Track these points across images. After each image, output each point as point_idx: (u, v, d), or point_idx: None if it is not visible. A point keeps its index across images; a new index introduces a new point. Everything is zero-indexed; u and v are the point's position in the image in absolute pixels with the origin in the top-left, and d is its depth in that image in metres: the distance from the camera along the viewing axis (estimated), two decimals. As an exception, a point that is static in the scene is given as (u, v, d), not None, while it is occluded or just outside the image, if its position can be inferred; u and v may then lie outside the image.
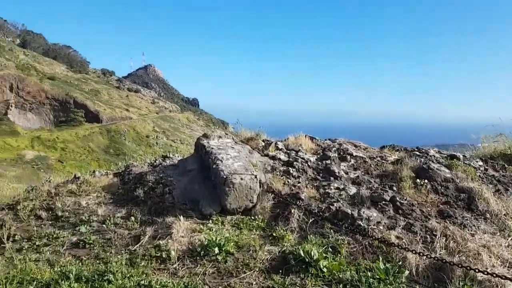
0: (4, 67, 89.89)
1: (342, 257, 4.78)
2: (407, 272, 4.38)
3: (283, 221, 5.54)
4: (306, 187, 6.24)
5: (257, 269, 4.61)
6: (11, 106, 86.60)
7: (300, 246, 4.86)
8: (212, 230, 5.51)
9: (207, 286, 4.31)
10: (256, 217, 5.77)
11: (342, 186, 6.15)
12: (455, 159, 7.36)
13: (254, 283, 4.33)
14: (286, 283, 4.26)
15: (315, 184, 6.35)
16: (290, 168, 6.71)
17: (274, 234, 5.29)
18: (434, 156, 7.46)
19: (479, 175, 6.87)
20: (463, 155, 7.95)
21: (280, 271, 4.49)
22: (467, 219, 5.48)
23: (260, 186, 5.89)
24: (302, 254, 4.62)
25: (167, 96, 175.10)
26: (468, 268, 4.26)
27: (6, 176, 57.73)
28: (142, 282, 4.24)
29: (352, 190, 6.01)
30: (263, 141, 7.85)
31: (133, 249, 5.18)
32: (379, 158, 7.35)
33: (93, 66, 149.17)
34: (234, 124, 8.38)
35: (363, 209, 5.42)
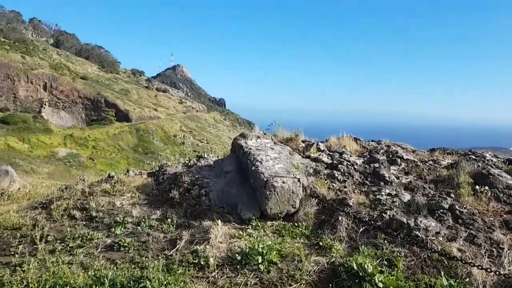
0: (38, 66, 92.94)
1: (399, 271, 4.30)
2: (473, 290, 3.88)
3: (329, 229, 5.10)
4: (354, 192, 5.78)
5: (303, 282, 4.20)
6: (45, 104, 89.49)
7: (351, 258, 4.42)
8: (252, 236, 5.14)
9: (251, 299, 3.95)
10: (299, 223, 5.35)
11: (394, 192, 5.64)
12: (515, 164, 6.70)
13: (302, 297, 3.94)
14: (339, 300, 3.84)
15: (364, 189, 5.87)
16: (335, 171, 6.25)
17: (321, 244, 4.86)
18: (492, 161, 6.82)
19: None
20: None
21: (330, 285, 4.07)
22: (537, 232, 4.88)
23: (303, 190, 5.47)
24: (355, 267, 4.18)
25: (194, 96, 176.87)
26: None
27: (39, 172, 59.66)
28: (181, 290, 3.93)
29: (406, 196, 5.50)
30: (302, 141, 7.41)
31: (169, 254, 4.88)
32: (431, 162, 6.78)
33: (123, 66, 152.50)
34: (269, 125, 7.97)
35: (419, 218, 4.91)
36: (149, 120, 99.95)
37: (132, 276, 4.21)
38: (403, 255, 4.53)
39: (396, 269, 4.32)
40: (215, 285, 4.23)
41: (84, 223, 5.85)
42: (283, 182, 5.33)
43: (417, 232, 4.69)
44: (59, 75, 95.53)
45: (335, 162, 6.56)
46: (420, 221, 4.83)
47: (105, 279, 4.13)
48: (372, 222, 4.99)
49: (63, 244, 5.21)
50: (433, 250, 4.46)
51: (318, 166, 6.44)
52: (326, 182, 6.01)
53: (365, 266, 4.18)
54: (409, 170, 6.51)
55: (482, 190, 5.69)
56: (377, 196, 5.55)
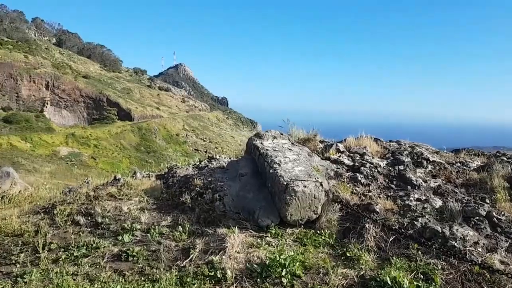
0: (41, 65, 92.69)
1: (437, 286, 3.90)
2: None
3: (355, 238, 4.70)
4: (379, 197, 5.37)
5: (332, 297, 3.82)
6: (47, 103, 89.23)
7: (383, 271, 4.02)
8: (272, 245, 4.74)
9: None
10: (322, 231, 4.95)
11: (424, 197, 5.23)
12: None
13: (332, 316, 3.55)
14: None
15: (390, 194, 5.46)
16: (357, 174, 5.83)
17: (348, 254, 4.45)
18: (525, 163, 6.39)
19: None
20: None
21: (362, 301, 3.68)
22: None
23: (325, 195, 5.06)
24: (389, 281, 3.79)
25: (197, 95, 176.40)
26: None
27: (41, 171, 59.43)
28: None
29: (437, 202, 5.09)
30: (320, 142, 6.99)
31: (182, 265, 4.50)
32: (459, 164, 6.36)
33: (125, 65, 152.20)
34: (283, 124, 7.51)
35: (455, 226, 4.49)
36: (151, 119, 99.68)
37: (142, 290, 3.85)
38: (440, 267, 4.12)
39: (433, 283, 3.92)
40: (234, 301, 3.86)
41: (89, 229, 5.47)
42: (304, 186, 4.93)
43: (453, 242, 4.29)
44: (61, 74, 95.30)
45: (357, 164, 6.14)
46: (456, 230, 4.42)
47: (113, 293, 3.77)
48: (403, 230, 4.58)
49: (67, 252, 4.85)
50: (473, 262, 4.06)
51: (339, 168, 6.03)
52: (348, 186, 5.60)
53: (400, 280, 3.79)
54: (437, 173, 6.09)
55: (520, 195, 5.28)
56: (406, 202, 5.13)
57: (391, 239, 4.54)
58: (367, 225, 4.71)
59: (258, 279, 4.09)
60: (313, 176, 5.11)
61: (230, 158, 7.52)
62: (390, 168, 6.04)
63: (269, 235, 4.94)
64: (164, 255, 4.73)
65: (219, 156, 7.59)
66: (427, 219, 4.70)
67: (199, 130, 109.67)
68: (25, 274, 4.30)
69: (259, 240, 4.80)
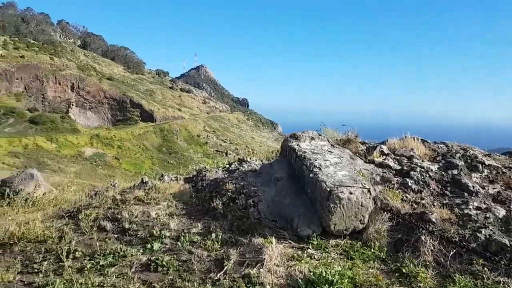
0: (66, 67, 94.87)
1: (511, 310, 3.37)
2: None
3: (409, 251, 4.19)
4: (433, 205, 4.83)
5: (389, 321, 3.33)
6: (72, 105, 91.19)
7: (446, 291, 3.51)
8: (314, 258, 4.28)
9: None
10: (371, 243, 4.45)
11: (484, 206, 4.67)
12: None
13: None
14: None
15: (445, 202, 4.90)
16: (407, 180, 5.30)
17: (403, 270, 3.95)
18: None
19: None
20: None
21: (425, 327, 3.18)
22: None
23: (373, 203, 4.57)
24: (456, 305, 3.27)
25: (218, 96, 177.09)
26: None
27: (66, 171, 60.61)
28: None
29: (500, 211, 4.52)
30: (361, 143, 6.47)
31: (216, 277, 4.10)
32: (517, 168, 5.74)
33: (148, 67, 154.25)
34: (316, 127, 6.99)
35: (525, 240, 3.93)
36: (173, 120, 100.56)
37: (175, 307, 3.47)
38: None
39: (507, 307, 3.39)
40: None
41: (116, 236, 5.14)
42: (350, 193, 4.44)
43: (526, 259, 3.73)
44: (86, 76, 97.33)
45: (405, 168, 5.59)
46: (528, 244, 3.85)
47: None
48: (464, 243, 4.05)
49: (93, 261, 4.52)
50: (551, 282, 3.50)
51: (385, 173, 5.51)
52: (397, 192, 5.07)
53: (469, 303, 3.28)
54: (494, 178, 5.49)
55: None
56: (465, 211, 4.57)
57: (451, 253, 4.01)
58: (423, 237, 4.19)
59: (302, 297, 3.66)
60: (359, 181, 4.62)
61: (261, 161, 7.09)
62: (443, 173, 5.47)
63: (310, 246, 4.48)
64: (196, 265, 4.35)
65: (250, 159, 7.16)
66: (491, 230, 4.15)
67: (220, 131, 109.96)
68: (48, 285, 4.03)
69: (299, 252, 4.35)
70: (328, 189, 4.48)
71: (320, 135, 6.25)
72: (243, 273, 4.09)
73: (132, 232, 5.16)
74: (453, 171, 5.44)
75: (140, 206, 5.72)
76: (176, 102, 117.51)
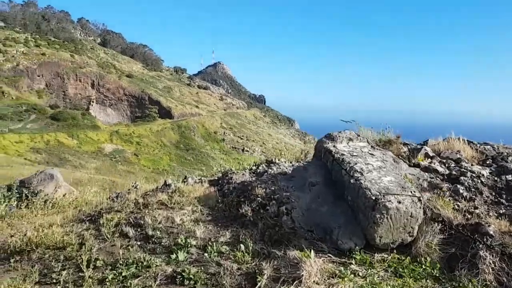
0: (87, 65, 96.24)
1: None
2: None
3: (466, 268, 3.69)
4: (488, 215, 4.31)
5: None
6: (93, 101, 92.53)
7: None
8: (359, 275, 3.82)
9: None
10: (421, 258, 3.96)
11: (550, 218, 4.13)
12: None
13: None
14: None
15: (502, 212, 4.37)
16: (458, 186, 4.77)
17: (462, 292, 3.47)
18: None
19: None
20: None
21: None
22: None
23: (423, 213, 4.08)
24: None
25: (235, 93, 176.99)
26: None
27: (87, 167, 61.46)
28: None
29: None
30: (403, 144, 5.95)
31: (248, 295, 3.69)
32: None
33: (166, 64, 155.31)
34: (347, 125, 6.44)
35: None
36: (190, 117, 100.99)
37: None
38: None
39: None
40: None
41: (139, 243, 4.79)
42: (399, 202, 3.96)
43: None
44: (106, 73, 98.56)
45: (454, 172, 5.05)
46: None
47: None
48: (532, 262, 3.53)
49: (115, 271, 4.18)
50: None
51: (432, 178, 4.99)
52: (448, 200, 4.55)
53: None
54: (554, 185, 4.92)
55: None
56: (527, 223, 4.05)
57: (517, 273, 3.51)
58: (481, 252, 3.69)
59: (348, 322, 3.21)
60: (408, 188, 4.13)
61: (291, 163, 6.64)
62: (496, 178, 4.92)
63: (353, 261, 4.02)
64: (226, 279, 3.95)
65: (279, 160, 6.72)
66: None
67: (237, 128, 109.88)
68: (67, 296, 3.70)
69: (341, 268, 3.89)
70: (374, 198, 4.01)
71: (359, 136, 5.75)
72: (279, 290, 3.68)
73: (155, 240, 4.80)
74: (507, 176, 4.89)
75: (163, 210, 5.36)
76: (194, 99, 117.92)
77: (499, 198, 4.65)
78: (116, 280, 4.08)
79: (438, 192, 4.67)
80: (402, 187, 4.15)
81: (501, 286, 3.55)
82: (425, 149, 5.63)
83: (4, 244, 5.00)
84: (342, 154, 4.94)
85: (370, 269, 3.87)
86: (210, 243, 4.57)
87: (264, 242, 4.49)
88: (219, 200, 5.46)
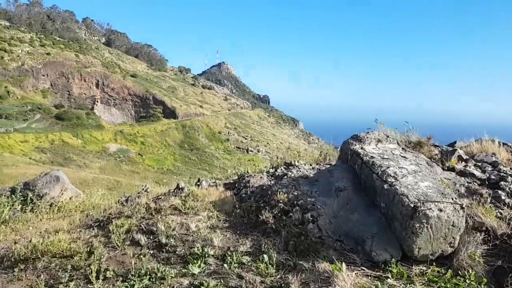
0: (91, 64, 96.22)
1: None
2: None
3: (516, 284, 3.32)
4: (536, 224, 3.94)
5: None
6: (97, 101, 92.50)
7: None
8: (396, 291, 3.45)
9: None
10: (463, 271, 3.59)
11: None
12: None
13: None
14: None
15: (550, 221, 4.01)
16: (499, 192, 4.40)
17: (517, 313, 3.10)
18: None
19: None
20: None
21: None
22: None
23: (465, 221, 3.71)
24: None
25: (239, 93, 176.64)
26: None
27: (92, 167, 61.37)
28: None
29: None
30: (434, 146, 5.56)
31: (274, 312, 3.34)
32: None
33: (170, 64, 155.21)
34: (371, 125, 6.04)
35: None
36: (194, 116, 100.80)
37: None
38: None
39: None
40: None
41: (152, 252, 4.44)
42: (440, 210, 3.59)
43: None
44: (111, 73, 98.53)
45: (492, 177, 4.68)
46: None
47: None
48: None
49: (126, 283, 3.85)
50: None
51: (470, 183, 4.62)
52: (490, 207, 4.18)
53: None
54: None
55: None
56: None
57: None
58: (534, 268, 3.32)
59: None
60: (449, 195, 3.76)
61: (311, 165, 6.26)
62: (539, 184, 4.55)
63: (389, 275, 3.64)
64: (248, 294, 3.60)
65: (298, 162, 6.34)
66: None
67: (241, 128, 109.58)
68: (75, 313, 3.37)
69: (378, 283, 3.52)
70: (412, 205, 3.64)
71: (388, 137, 5.36)
72: (308, 308, 3.32)
73: (169, 248, 4.45)
74: (550, 182, 4.51)
75: (177, 216, 5.00)
76: (198, 99, 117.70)
77: (544, 206, 4.28)
78: (128, 293, 3.75)
79: (478, 198, 4.29)
80: (442, 194, 3.78)
81: (558, 304, 3.18)
82: (458, 152, 5.25)
83: (8, 252, 4.66)
84: (372, 157, 4.57)
85: (409, 284, 3.50)
86: (229, 252, 4.21)
87: (288, 252, 4.13)
88: (237, 205, 5.10)
